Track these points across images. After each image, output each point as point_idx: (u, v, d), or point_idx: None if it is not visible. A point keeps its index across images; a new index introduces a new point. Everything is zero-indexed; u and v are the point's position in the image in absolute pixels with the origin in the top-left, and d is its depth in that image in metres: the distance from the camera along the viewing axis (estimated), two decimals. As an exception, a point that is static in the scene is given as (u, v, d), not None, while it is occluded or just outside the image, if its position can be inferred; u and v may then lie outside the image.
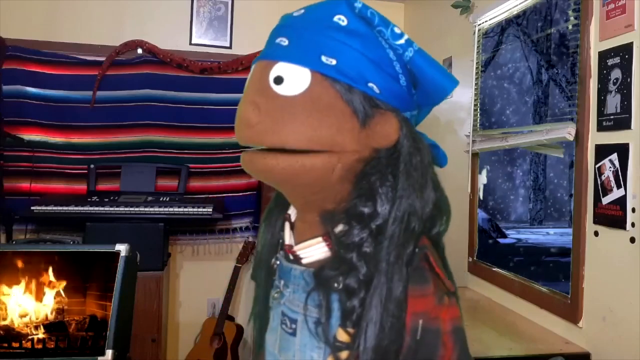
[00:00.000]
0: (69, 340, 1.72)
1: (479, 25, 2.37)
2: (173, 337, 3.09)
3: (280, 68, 0.63)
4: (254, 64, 0.68)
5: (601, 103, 1.58)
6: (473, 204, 2.42)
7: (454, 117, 2.61)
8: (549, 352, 1.60)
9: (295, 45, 0.63)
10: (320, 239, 0.68)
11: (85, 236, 2.63)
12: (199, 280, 3.14)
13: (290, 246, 0.72)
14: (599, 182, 1.58)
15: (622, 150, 1.48)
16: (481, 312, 2.03)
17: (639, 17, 1.45)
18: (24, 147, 2.81)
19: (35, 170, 2.82)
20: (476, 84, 2.39)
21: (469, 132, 2.39)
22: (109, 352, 1.66)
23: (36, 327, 1.74)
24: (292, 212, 0.75)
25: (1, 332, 1.73)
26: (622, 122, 1.49)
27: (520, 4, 2.10)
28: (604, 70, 1.57)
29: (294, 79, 0.62)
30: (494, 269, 2.23)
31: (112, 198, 2.72)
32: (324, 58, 0.62)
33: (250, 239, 3.11)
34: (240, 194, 3.12)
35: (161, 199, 2.76)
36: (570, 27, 1.77)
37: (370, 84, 0.63)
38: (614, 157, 1.51)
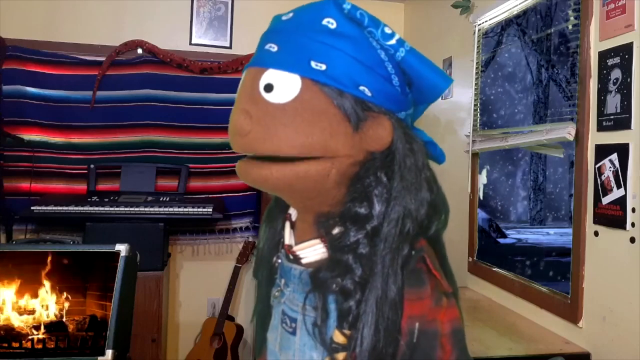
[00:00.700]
0: (69, 340, 1.72)
1: (479, 25, 2.36)
2: (173, 337, 3.09)
3: (270, 75, 0.62)
4: (244, 70, 0.68)
5: (601, 103, 1.58)
6: (473, 204, 2.42)
7: (454, 117, 2.61)
8: (549, 352, 1.60)
9: (284, 51, 0.63)
10: (318, 240, 0.68)
11: (85, 236, 2.63)
12: (199, 280, 3.14)
13: (290, 246, 0.72)
14: (599, 182, 1.58)
15: (622, 150, 1.48)
16: (481, 312, 2.03)
17: (639, 17, 1.45)
18: (24, 147, 2.81)
19: (35, 170, 2.82)
20: (476, 84, 2.39)
21: (469, 132, 2.39)
22: (109, 352, 1.66)
23: (36, 327, 1.74)
24: (293, 211, 0.75)
25: (1, 332, 1.73)
26: (622, 122, 1.49)
27: (520, 4, 2.10)
28: (604, 70, 1.57)
29: (284, 86, 0.62)
30: (494, 269, 2.23)
31: (112, 198, 2.72)
32: (313, 63, 0.61)
33: (250, 239, 3.11)
34: (240, 194, 3.11)
35: (161, 199, 2.76)
36: (570, 27, 1.77)
37: (361, 87, 0.63)
38: (614, 157, 1.51)
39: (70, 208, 2.61)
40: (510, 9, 2.17)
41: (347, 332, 0.62)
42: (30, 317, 1.77)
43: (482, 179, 2.51)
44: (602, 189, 1.56)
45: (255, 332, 0.81)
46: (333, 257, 0.64)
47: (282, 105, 0.62)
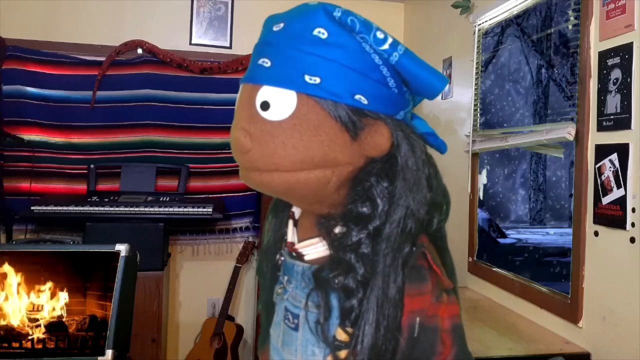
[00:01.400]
0: (69, 340, 1.72)
1: (479, 25, 2.36)
2: (173, 337, 3.09)
3: (266, 93, 0.63)
4: (240, 84, 0.68)
5: (601, 103, 1.58)
6: (473, 204, 2.42)
7: (454, 117, 2.61)
8: (549, 352, 1.60)
9: (277, 67, 0.63)
10: (320, 237, 0.69)
11: (85, 236, 2.63)
12: (199, 280, 3.14)
13: (292, 244, 0.73)
14: (599, 182, 1.58)
15: (622, 150, 1.48)
16: (481, 312, 2.03)
17: (639, 17, 1.45)
18: (24, 147, 2.81)
19: (35, 170, 2.82)
20: (476, 84, 2.39)
21: (469, 132, 2.39)
22: (109, 352, 1.66)
23: (36, 327, 1.74)
24: (296, 209, 0.76)
25: (1, 332, 1.73)
26: (622, 122, 1.49)
27: (520, 4, 2.10)
28: (604, 70, 1.57)
29: (280, 103, 0.62)
30: (494, 269, 2.23)
31: (112, 198, 2.72)
32: (307, 77, 0.61)
33: (250, 239, 3.12)
34: (240, 194, 3.11)
35: (161, 199, 2.76)
36: (570, 27, 1.77)
37: (357, 96, 0.63)
38: (614, 157, 1.51)
39: (70, 208, 2.61)
40: (510, 9, 2.17)
41: (349, 329, 0.63)
42: (30, 317, 1.77)
43: (482, 179, 2.51)
44: (602, 189, 1.57)
45: (261, 321, 0.83)
46: (335, 256, 0.65)
47: (279, 122, 0.62)
